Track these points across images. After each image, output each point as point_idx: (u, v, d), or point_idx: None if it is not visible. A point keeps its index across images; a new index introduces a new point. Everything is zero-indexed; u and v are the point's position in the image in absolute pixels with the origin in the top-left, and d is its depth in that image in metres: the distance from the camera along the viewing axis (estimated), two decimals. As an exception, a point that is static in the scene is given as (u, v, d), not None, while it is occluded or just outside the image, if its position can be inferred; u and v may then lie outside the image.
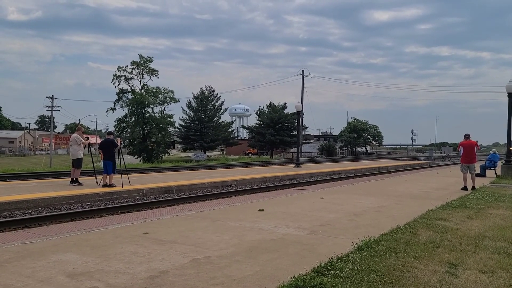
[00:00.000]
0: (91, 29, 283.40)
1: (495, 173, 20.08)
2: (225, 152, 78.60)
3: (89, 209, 10.80)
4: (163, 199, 12.89)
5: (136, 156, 48.68)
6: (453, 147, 60.43)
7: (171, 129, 53.74)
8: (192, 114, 62.49)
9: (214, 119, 63.17)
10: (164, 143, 50.27)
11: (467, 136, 14.20)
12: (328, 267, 4.63)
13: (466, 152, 13.99)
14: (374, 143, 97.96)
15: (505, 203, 10.45)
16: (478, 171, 17.97)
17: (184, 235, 6.33)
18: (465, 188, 13.50)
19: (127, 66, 48.11)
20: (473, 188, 13.59)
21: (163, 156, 51.68)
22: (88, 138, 15.35)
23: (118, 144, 13.98)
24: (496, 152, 23.31)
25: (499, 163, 21.26)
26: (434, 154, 66.52)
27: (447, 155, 61.03)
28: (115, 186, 13.15)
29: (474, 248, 5.76)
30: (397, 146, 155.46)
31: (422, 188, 14.05)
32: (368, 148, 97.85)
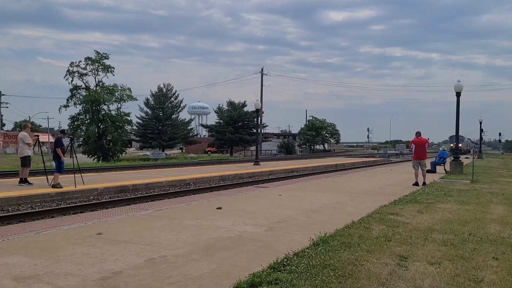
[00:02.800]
0: (40, 23, 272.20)
1: (445, 169, 21.02)
2: (184, 151, 77.58)
3: (39, 210, 10.36)
4: (119, 198, 12.58)
5: (90, 156, 47.04)
6: (406, 145, 62.82)
7: (128, 127, 52.35)
8: (149, 111, 61.23)
9: (173, 117, 62.22)
10: (120, 141, 48.91)
11: (418, 134, 14.78)
12: (284, 263, 4.69)
13: (417, 149, 14.55)
14: (332, 141, 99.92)
15: (453, 197, 10.99)
16: (429, 167, 18.75)
17: (139, 235, 6.20)
18: (416, 184, 14.05)
19: (81, 61, 46.48)
20: (424, 183, 14.16)
21: (120, 155, 50.28)
22: (37, 136, 14.69)
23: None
24: (446, 149, 24.42)
25: (448, 160, 22.29)
26: (389, 152, 68.66)
27: (400, 152, 63.29)
28: (61, 187, 12.49)
29: (423, 241, 6.01)
30: (354, 144, 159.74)
31: (376, 184, 14.49)
32: (326, 146, 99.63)
